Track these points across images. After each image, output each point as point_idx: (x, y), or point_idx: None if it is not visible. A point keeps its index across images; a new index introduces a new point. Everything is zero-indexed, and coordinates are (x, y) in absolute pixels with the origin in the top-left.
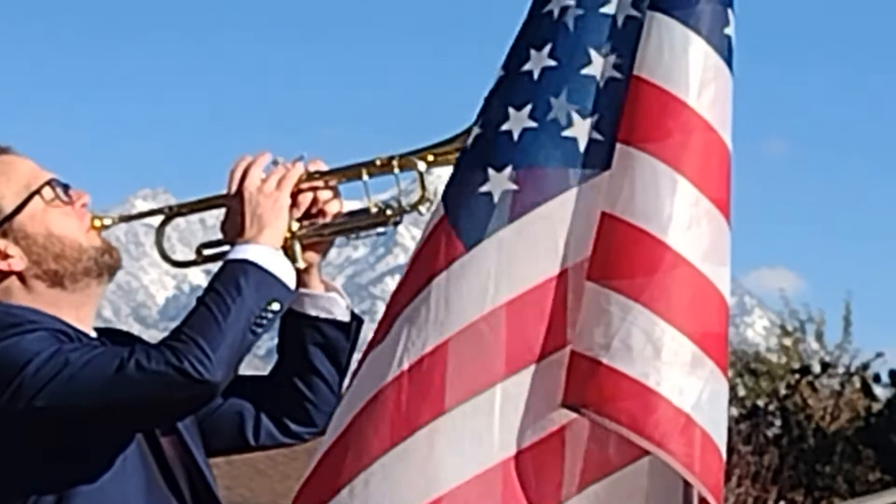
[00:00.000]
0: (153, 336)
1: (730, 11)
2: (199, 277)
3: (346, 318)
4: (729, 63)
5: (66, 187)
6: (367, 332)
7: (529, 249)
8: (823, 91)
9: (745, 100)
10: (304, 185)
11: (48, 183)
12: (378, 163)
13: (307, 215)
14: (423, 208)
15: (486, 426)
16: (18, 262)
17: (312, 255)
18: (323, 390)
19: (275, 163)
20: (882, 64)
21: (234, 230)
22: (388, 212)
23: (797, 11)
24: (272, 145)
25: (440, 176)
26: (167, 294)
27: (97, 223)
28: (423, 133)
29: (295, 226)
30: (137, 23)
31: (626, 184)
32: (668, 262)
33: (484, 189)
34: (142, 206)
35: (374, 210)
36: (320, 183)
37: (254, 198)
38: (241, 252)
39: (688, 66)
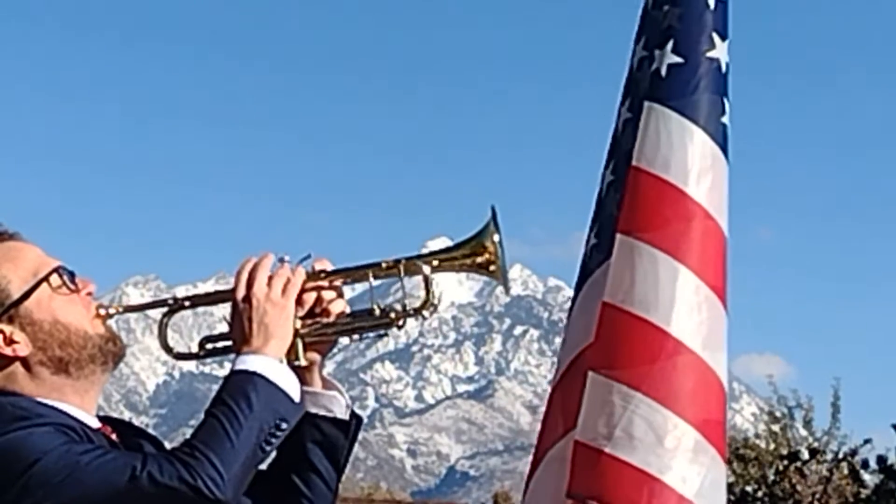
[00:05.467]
0: (143, 422)
1: (725, 101)
2: (189, 364)
3: (345, 416)
4: (725, 150)
5: (72, 275)
6: None
7: (560, 359)
8: (807, 178)
9: (736, 186)
10: (309, 284)
11: (55, 270)
12: (384, 265)
13: (311, 314)
14: (426, 312)
15: None
16: (23, 347)
17: (314, 353)
18: (320, 487)
19: (281, 260)
20: (864, 151)
21: (239, 333)
22: (392, 315)
23: (785, 100)
24: (257, 232)
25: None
26: (157, 381)
27: (102, 311)
28: (412, 222)
29: (298, 324)
30: (130, 110)
31: (626, 274)
32: (669, 350)
33: None
34: (133, 292)
35: (377, 312)
36: (325, 283)
37: (261, 305)
38: (249, 363)
39: (685, 155)
